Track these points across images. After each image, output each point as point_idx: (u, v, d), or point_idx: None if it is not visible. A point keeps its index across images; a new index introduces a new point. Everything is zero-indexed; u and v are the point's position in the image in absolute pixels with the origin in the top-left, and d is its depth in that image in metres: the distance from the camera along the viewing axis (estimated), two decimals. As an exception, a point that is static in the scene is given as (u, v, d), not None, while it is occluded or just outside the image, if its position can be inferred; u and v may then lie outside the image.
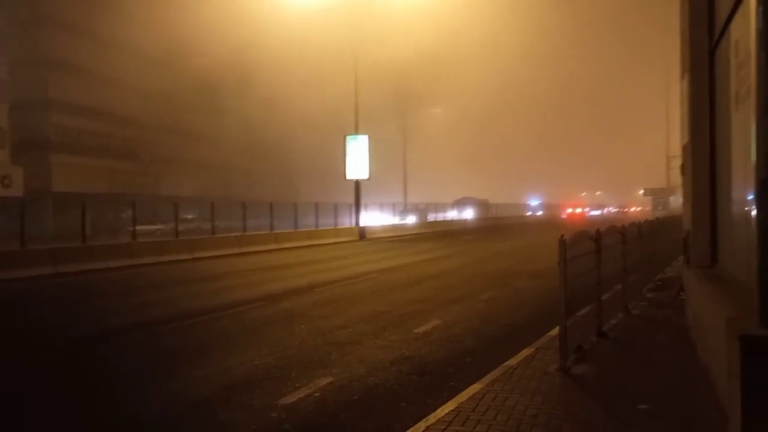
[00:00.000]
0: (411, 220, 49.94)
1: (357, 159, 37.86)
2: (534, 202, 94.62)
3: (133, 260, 20.35)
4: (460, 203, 66.63)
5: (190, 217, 33.27)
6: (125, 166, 48.41)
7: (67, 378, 6.82)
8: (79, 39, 43.44)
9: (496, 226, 53.38)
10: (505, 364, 6.35)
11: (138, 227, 23.88)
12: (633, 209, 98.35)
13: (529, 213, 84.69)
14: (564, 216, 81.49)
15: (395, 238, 35.89)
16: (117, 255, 20.25)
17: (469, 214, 60.70)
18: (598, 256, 7.34)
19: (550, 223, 56.74)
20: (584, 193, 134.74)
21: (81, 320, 10.53)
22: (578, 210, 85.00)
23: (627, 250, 9.04)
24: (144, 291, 14.24)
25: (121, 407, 5.69)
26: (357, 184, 37.61)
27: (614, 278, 8.50)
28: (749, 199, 4.83)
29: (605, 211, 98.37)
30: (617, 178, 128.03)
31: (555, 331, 6.91)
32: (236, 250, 25.02)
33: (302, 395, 5.75)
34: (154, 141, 51.00)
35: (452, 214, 56.95)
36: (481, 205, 66.79)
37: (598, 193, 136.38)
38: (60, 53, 42.46)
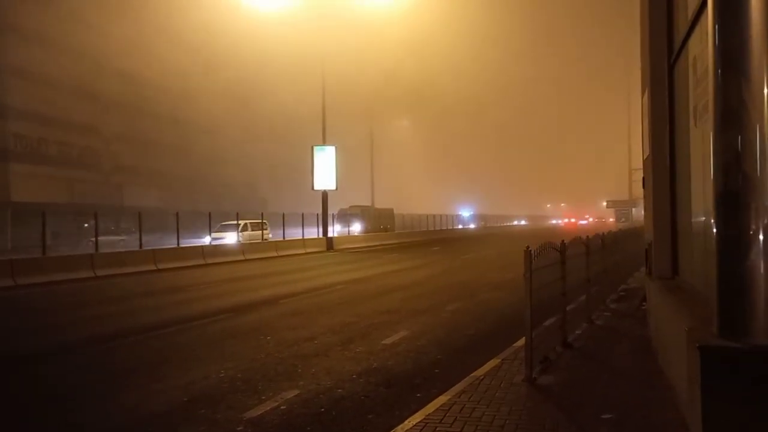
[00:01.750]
0: (356, 227, 45.42)
1: (324, 170, 37.76)
2: (465, 213, 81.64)
3: (95, 272, 19.92)
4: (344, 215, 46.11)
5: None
6: (87, 176, 47.42)
7: (17, 392, 6.61)
8: (37, 46, 42.46)
9: (444, 239, 53.04)
10: (471, 375, 6.38)
11: (101, 238, 23.40)
12: (593, 220, 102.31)
13: (460, 226, 73.30)
14: (562, 224, 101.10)
15: (363, 249, 35.84)
16: (79, 266, 19.77)
17: (356, 227, 45.48)
18: (563, 267, 7.44)
19: (487, 239, 49.75)
20: (549, 205, 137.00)
21: (36, 333, 10.24)
22: (572, 220, 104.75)
23: (591, 261, 9.19)
24: (104, 303, 13.92)
25: (75, 423, 5.52)
26: (324, 194, 37.50)
27: (578, 289, 8.62)
28: (708, 212, 4.96)
29: (589, 220, 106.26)
30: (580, 190, 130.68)
31: (521, 341, 6.97)
32: (201, 261, 24.69)
33: (268, 408, 5.68)
34: (115, 150, 50.12)
35: (337, 229, 41.46)
36: (378, 216, 50.68)
37: (562, 204, 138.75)
38: (17, 60, 41.44)
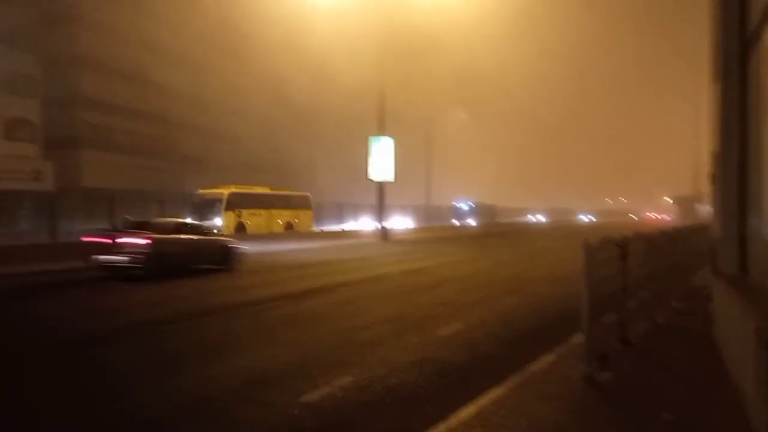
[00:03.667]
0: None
1: (381, 160, 37.85)
2: (463, 207, 63.55)
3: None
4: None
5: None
6: (152, 163, 49.07)
7: (80, 375, 6.91)
8: (109, 38, 44.15)
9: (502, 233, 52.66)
10: (527, 368, 6.31)
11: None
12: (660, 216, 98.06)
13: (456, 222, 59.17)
14: (644, 218, 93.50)
15: (417, 241, 35.85)
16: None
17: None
18: (624, 262, 7.26)
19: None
20: (608, 200, 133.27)
21: (97, 316, 10.68)
22: (655, 215, 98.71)
23: (653, 257, 8.93)
24: (162, 288, 14.37)
25: (141, 404, 5.72)
26: (381, 186, 37.62)
27: (639, 285, 8.40)
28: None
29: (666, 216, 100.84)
30: (639, 185, 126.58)
31: (578, 337, 6.85)
32: (260, 249, 25.22)
33: (323, 393, 5.78)
34: (180, 139, 51.66)
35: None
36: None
37: (622, 199, 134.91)
38: (91, 51, 43.23)
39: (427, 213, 54.24)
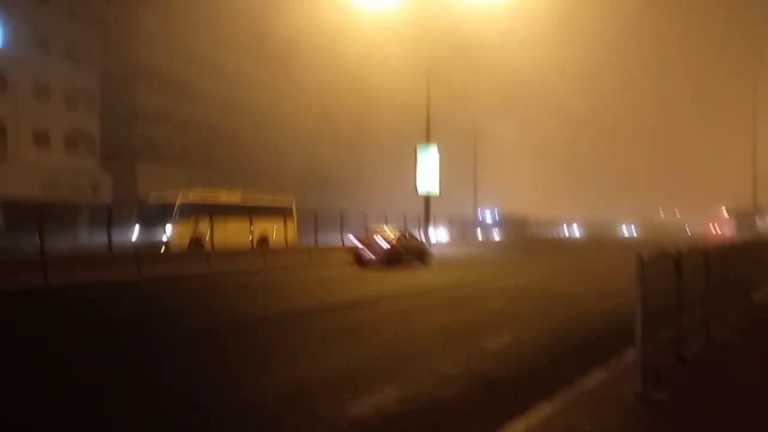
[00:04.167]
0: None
1: (427, 171, 37.70)
2: (487, 217, 61.74)
3: (211, 268, 21.05)
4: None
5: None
6: (204, 174, 50.30)
7: (134, 377, 7.08)
8: (164, 53, 45.64)
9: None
10: (576, 385, 6.14)
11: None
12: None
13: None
14: (705, 233, 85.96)
15: (463, 253, 35.56)
16: (197, 262, 21.20)
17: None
18: (679, 276, 7.01)
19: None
20: (661, 211, 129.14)
21: (153, 321, 10.96)
22: (717, 229, 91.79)
23: (710, 272, 8.59)
24: (212, 299, 14.65)
25: (198, 404, 5.80)
26: (427, 198, 37.52)
27: (696, 300, 8.09)
28: None
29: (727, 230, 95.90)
30: (691, 196, 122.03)
31: (630, 353, 6.63)
32: (306, 259, 25.50)
33: (368, 405, 5.74)
34: (232, 151, 52.81)
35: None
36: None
37: (676, 211, 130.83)
38: (147, 66, 44.75)
39: (471, 223, 53.79)
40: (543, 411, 5.33)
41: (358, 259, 23.97)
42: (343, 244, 28.36)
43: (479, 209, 61.81)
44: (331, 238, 31.15)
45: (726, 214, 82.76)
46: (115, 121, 42.01)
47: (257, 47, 52.83)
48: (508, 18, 57.98)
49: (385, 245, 23.84)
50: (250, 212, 28.24)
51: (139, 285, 17.17)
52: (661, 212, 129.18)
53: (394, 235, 24.84)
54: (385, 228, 26.46)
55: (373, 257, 23.56)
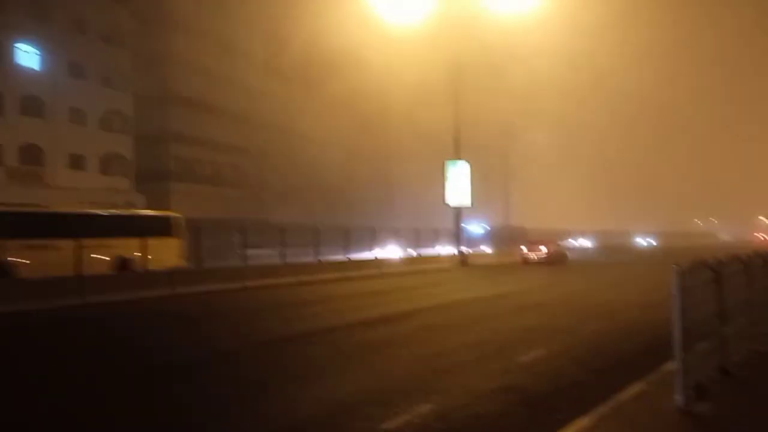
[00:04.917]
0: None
1: (458, 185, 37.61)
2: (475, 230, 49.27)
3: (244, 283, 21.43)
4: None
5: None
6: (236, 193, 51.00)
7: (167, 399, 7.14)
8: (196, 75, 46.52)
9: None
10: (615, 398, 6.00)
11: (249, 251, 25.07)
12: None
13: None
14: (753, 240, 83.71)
15: (496, 265, 35.28)
16: (230, 278, 21.59)
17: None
18: (719, 286, 6.83)
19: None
20: (698, 221, 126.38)
21: (186, 341, 11.07)
22: (763, 236, 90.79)
23: (752, 281, 8.35)
24: (245, 313, 14.77)
25: (230, 425, 5.84)
26: (458, 211, 37.39)
27: (738, 310, 7.87)
28: None
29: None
30: (730, 204, 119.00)
31: (670, 365, 6.47)
32: (338, 275, 25.58)
33: (402, 421, 5.69)
34: (262, 169, 53.48)
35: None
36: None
37: (713, 220, 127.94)
38: (179, 88, 45.69)
39: (501, 236, 53.07)
40: (581, 424, 5.22)
41: (525, 260, 36.81)
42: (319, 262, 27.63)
43: (466, 222, 59.55)
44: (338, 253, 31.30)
45: (766, 222, 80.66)
46: (148, 143, 42.90)
47: (287, 68, 53.57)
48: (538, 28, 57.62)
49: (545, 250, 37.04)
50: (97, 227, 21.54)
51: None
52: (698, 221, 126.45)
53: (550, 246, 37.80)
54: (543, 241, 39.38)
55: (536, 258, 36.54)
